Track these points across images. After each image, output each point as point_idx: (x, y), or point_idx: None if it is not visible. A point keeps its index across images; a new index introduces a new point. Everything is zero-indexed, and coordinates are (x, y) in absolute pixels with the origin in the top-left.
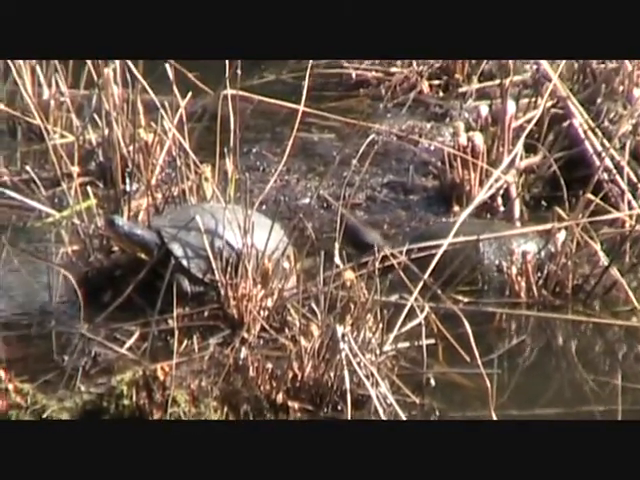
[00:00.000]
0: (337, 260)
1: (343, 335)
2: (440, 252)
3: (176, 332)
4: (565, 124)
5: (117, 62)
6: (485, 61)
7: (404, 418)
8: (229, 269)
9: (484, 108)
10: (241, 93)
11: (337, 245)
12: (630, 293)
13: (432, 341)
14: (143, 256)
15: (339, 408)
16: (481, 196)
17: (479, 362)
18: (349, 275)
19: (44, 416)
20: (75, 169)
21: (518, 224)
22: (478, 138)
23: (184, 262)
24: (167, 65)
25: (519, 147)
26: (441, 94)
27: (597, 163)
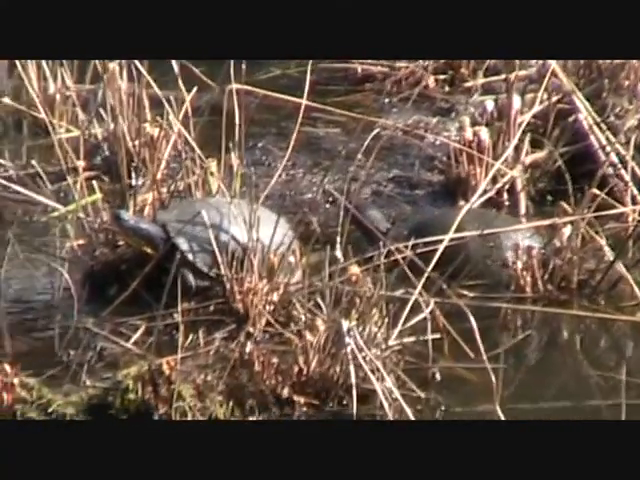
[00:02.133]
0: (339, 254)
1: (349, 330)
2: (442, 247)
3: (181, 326)
4: (571, 119)
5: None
6: None
7: (410, 412)
8: (235, 263)
9: (490, 103)
10: (246, 87)
11: (340, 239)
12: (635, 288)
13: (437, 336)
14: (149, 250)
15: (345, 403)
16: (483, 187)
17: (484, 357)
18: (355, 270)
19: (50, 411)
20: (81, 163)
21: (524, 219)
22: (484, 133)
23: (190, 256)
24: (172, 60)
25: (522, 141)
26: (447, 89)
27: (602, 158)
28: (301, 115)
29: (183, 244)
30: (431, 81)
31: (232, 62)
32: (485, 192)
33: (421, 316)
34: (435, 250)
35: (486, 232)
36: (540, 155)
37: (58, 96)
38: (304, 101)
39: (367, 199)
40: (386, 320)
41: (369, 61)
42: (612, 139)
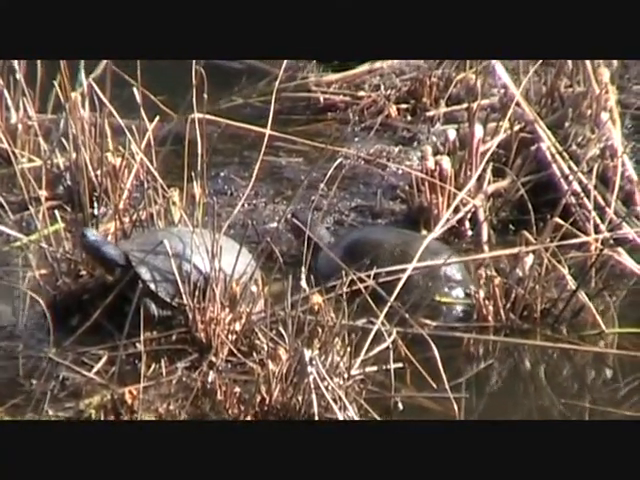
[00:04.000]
0: (303, 284)
1: (311, 359)
2: (405, 275)
3: (144, 356)
4: (533, 148)
5: (84, 85)
6: (453, 85)
7: None
8: (197, 293)
9: (452, 132)
10: (208, 117)
11: (304, 269)
12: (598, 317)
13: (400, 365)
14: (107, 275)
15: None
16: (446, 216)
17: (447, 386)
18: (317, 299)
19: None
20: (43, 193)
21: (486, 248)
22: (446, 162)
23: (152, 286)
24: (134, 89)
25: (485, 170)
26: (409, 118)
27: (565, 187)
28: (265, 144)
29: (145, 274)
30: (393, 110)
31: (194, 90)
32: (447, 221)
33: (383, 345)
34: (394, 280)
35: (449, 261)
36: (502, 184)
37: (20, 126)
38: (268, 130)
39: (329, 229)
40: (348, 349)
41: (331, 90)
42: (574, 168)
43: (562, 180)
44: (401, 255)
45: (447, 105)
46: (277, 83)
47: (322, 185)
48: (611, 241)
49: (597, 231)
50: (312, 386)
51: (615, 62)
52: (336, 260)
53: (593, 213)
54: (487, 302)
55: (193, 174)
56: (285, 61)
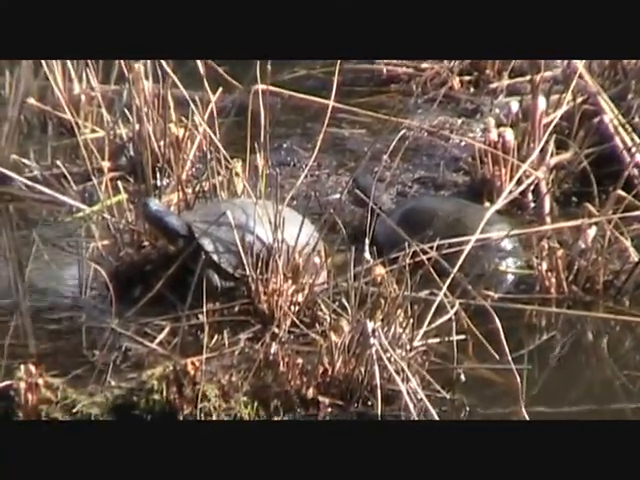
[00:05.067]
0: (367, 255)
1: (373, 330)
2: (468, 247)
3: (206, 327)
4: (596, 120)
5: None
6: None
7: (434, 413)
8: (260, 264)
9: (515, 104)
10: (271, 88)
11: (367, 241)
12: None
13: (462, 337)
14: (169, 246)
15: (369, 403)
16: (508, 188)
17: (509, 358)
18: (380, 270)
19: (74, 411)
20: (106, 164)
21: (549, 220)
22: (509, 134)
23: (215, 257)
24: (198, 60)
25: (548, 143)
26: (472, 90)
27: (627, 159)
28: (328, 116)
29: (208, 245)
30: (456, 82)
31: (258, 62)
32: (510, 193)
33: (446, 317)
34: (458, 251)
35: (512, 233)
36: (565, 156)
37: (83, 97)
38: (331, 102)
39: (393, 200)
40: (411, 321)
41: (394, 62)
42: (637, 140)
43: (625, 152)
44: (455, 224)
45: (510, 77)
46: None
47: (385, 157)
48: None
49: None
50: (374, 358)
51: None
52: (395, 229)
53: None
54: (550, 274)
55: (256, 145)
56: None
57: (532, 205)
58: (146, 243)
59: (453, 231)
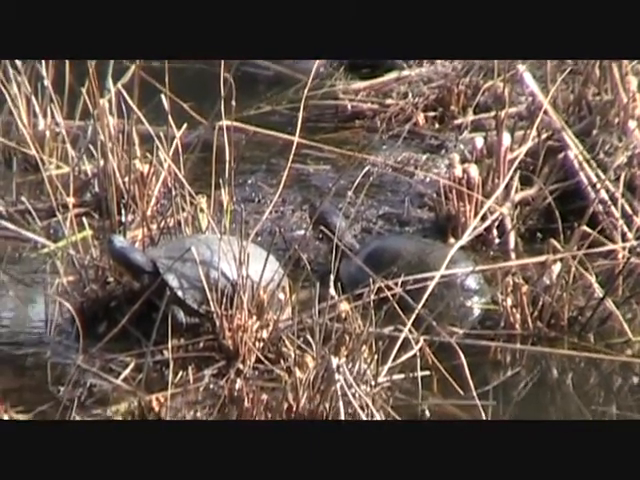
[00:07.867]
0: (332, 291)
1: (338, 366)
2: (433, 284)
3: (171, 363)
4: (560, 156)
5: (112, 92)
6: (480, 93)
7: None
8: (224, 300)
9: (479, 140)
10: (236, 124)
11: (332, 277)
12: (625, 325)
13: (427, 373)
14: (133, 282)
15: None
16: (473, 224)
17: (474, 394)
18: (344, 306)
19: None
20: (70, 200)
21: (513, 256)
22: (473, 170)
23: (179, 293)
24: (162, 96)
25: (512, 179)
26: (437, 126)
27: (592, 195)
28: (292, 152)
29: (173, 281)
30: (421, 118)
31: (222, 99)
32: (475, 229)
33: (410, 353)
34: (422, 287)
35: (478, 269)
36: (530, 192)
37: (48, 132)
38: (296, 138)
39: (357, 237)
40: (375, 357)
41: (359, 98)
42: (602, 176)
43: (589, 188)
44: (418, 263)
45: (475, 113)
46: (305, 91)
47: (350, 193)
48: (638, 249)
49: (624, 239)
50: (339, 393)
51: None
52: (362, 267)
53: (620, 221)
54: (514, 310)
55: (221, 181)
56: (313, 69)
57: (497, 241)
58: (111, 279)
59: (417, 271)
